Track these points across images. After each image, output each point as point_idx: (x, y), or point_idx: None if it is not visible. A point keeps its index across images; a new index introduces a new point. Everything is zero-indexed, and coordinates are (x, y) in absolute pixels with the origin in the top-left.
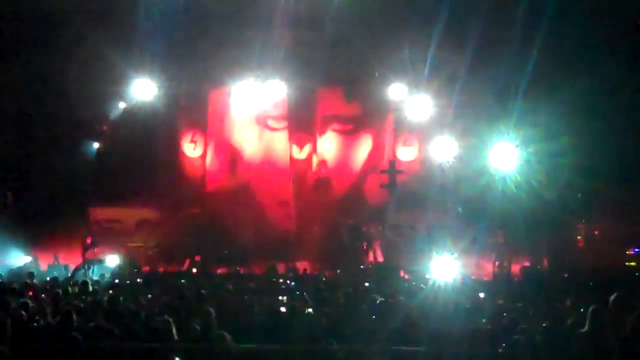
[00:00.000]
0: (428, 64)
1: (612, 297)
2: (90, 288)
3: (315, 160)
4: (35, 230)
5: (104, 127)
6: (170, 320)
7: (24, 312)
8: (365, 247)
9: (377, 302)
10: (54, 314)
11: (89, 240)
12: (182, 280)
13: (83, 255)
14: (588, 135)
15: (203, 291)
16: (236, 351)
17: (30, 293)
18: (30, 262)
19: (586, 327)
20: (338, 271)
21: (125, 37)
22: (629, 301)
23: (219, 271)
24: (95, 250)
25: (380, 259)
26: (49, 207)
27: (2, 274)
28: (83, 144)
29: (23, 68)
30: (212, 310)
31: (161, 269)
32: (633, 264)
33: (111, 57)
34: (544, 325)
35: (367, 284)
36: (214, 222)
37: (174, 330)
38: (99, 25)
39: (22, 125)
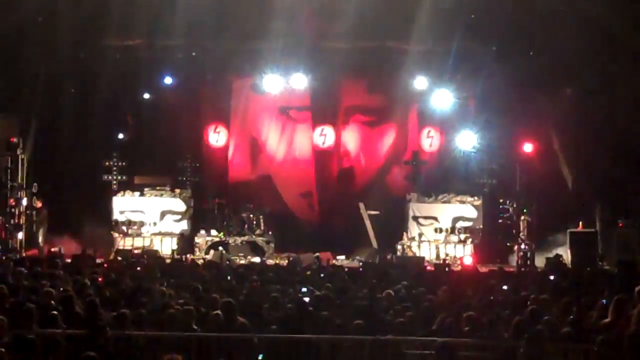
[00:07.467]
0: (452, 56)
1: (637, 289)
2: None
3: (338, 151)
4: (61, 220)
5: (129, 118)
6: (192, 309)
7: (49, 301)
8: None
9: (400, 293)
10: (80, 302)
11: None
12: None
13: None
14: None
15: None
16: (260, 341)
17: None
18: (57, 251)
19: (609, 318)
20: (362, 262)
21: (149, 27)
22: None
23: (243, 262)
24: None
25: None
26: (75, 197)
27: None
28: (108, 134)
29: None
30: (232, 300)
31: (184, 259)
32: None
33: (136, 48)
34: (569, 317)
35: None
36: (237, 212)
37: (194, 320)
38: (123, 16)
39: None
